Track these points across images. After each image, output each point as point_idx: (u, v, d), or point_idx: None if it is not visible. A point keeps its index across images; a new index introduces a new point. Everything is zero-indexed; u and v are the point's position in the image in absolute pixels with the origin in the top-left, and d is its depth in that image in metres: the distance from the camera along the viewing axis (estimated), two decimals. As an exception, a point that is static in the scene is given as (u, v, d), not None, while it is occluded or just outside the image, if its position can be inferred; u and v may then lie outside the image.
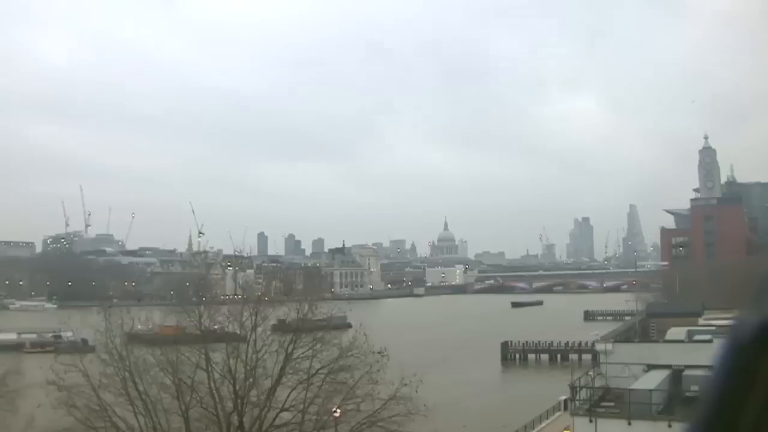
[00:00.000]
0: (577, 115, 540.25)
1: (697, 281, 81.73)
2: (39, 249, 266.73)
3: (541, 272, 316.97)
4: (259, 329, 27.87)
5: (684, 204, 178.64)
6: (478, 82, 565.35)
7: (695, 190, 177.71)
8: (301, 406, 25.80)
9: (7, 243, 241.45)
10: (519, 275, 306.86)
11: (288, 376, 26.65)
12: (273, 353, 27.06)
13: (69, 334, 53.86)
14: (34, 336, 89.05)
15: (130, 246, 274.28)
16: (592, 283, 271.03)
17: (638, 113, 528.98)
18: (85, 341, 35.82)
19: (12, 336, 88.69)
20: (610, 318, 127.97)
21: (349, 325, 33.36)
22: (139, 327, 31.85)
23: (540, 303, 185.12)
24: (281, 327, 31.14)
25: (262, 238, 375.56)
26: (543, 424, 41.19)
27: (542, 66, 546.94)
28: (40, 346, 76.72)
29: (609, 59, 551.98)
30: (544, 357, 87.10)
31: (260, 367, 26.44)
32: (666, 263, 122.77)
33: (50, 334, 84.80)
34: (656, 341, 39.17)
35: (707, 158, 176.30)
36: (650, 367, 31.25)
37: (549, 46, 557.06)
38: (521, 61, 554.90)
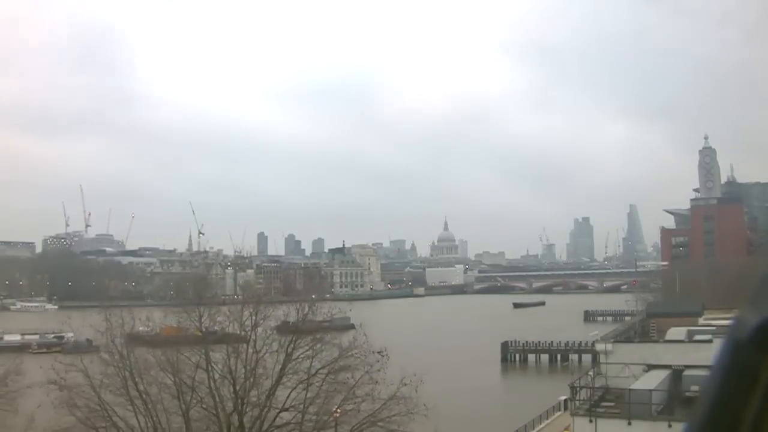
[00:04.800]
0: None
1: (697, 281, 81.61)
2: (39, 249, 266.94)
3: (541, 272, 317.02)
4: (260, 329, 27.89)
5: (684, 204, 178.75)
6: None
7: (695, 190, 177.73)
8: (301, 406, 25.80)
9: (7, 243, 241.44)
10: (519, 275, 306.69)
11: (288, 376, 26.65)
12: (273, 353, 27.06)
13: (70, 335, 53.98)
14: (37, 337, 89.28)
15: (130, 246, 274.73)
16: (592, 283, 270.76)
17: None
18: (89, 341, 35.91)
19: (16, 337, 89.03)
20: (610, 318, 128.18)
21: (353, 326, 33.34)
22: (141, 328, 31.74)
23: (542, 303, 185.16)
24: (284, 328, 31.07)
25: (262, 238, 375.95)
26: (543, 424, 41.21)
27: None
28: (46, 347, 76.90)
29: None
30: (544, 357, 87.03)
31: (260, 367, 26.43)
32: (666, 263, 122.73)
33: (52, 335, 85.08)
34: (656, 341, 39.16)
35: (707, 158, 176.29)
36: (650, 367, 31.25)
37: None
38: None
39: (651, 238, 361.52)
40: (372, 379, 25.94)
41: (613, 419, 27.32)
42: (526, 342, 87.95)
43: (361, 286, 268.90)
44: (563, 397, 40.12)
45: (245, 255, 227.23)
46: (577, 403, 30.36)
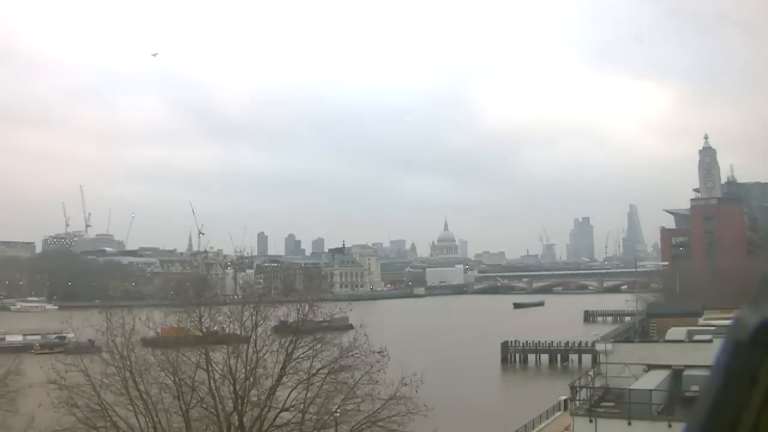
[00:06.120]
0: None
1: (697, 281, 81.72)
2: (39, 249, 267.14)
3: (541, 272, 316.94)
4: (260, 329, 27.90)
5: (684, 204, 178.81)
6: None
7: (695, 190, 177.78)
8: (302, 405, 25.81)
9: (7, 243, 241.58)
10: (519, 275, 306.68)
11: (288, 376, 26.65)
12: (273, 353, 27.08)
13: (71, 335, 53.92)
14: (38, 337, 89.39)
15: (130, 246, 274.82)
16: (592, 284, 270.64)
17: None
18: (91, 342, 35.90)
19: (18, 338, 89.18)
20: (610, 318, 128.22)
21: (351, 327, 33.37)
22: (147, 328, 31.56)
23: (541, 304, 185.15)
24: (282, 328, 31.12)
25: (262, 238, 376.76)
26: (543, 424, 41.22)
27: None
28: (49, 348, 76.90)
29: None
30: (544, 357, 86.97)
31: (261, 367, 26.44)
32: (666, 263, 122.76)
33: (54, 335, 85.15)
34: (656, 341, 39.20)
35: (707, 158, 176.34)
36: (650, 367, 31.27)
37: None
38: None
39: (651, 238, 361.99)
40: (372, 379, 25.93)
41: (613, 419, 27.33)
42: (526, 342, 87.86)
43: (361, 286, 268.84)
44: (563, 397, 40.14)
45: (245, 255, 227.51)
46: (577, 403, 30.37)
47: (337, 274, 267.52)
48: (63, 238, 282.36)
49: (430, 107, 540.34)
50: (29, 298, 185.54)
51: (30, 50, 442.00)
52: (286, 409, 26.08)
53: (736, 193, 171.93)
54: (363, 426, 25.76)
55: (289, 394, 26.23)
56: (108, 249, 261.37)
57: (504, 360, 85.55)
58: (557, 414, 42.07)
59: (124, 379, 25.25)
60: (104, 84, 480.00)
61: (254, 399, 25.97)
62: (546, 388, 57.74)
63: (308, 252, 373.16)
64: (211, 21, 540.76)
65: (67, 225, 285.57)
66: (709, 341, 28.40)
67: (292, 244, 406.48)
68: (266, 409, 25.59)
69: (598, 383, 32.21)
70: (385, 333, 49.38)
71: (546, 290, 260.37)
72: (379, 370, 26.19)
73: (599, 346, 36.09)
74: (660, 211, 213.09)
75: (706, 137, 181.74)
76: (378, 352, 27.16)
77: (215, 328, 29.61)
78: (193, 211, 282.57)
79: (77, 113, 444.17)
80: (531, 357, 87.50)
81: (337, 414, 25.83)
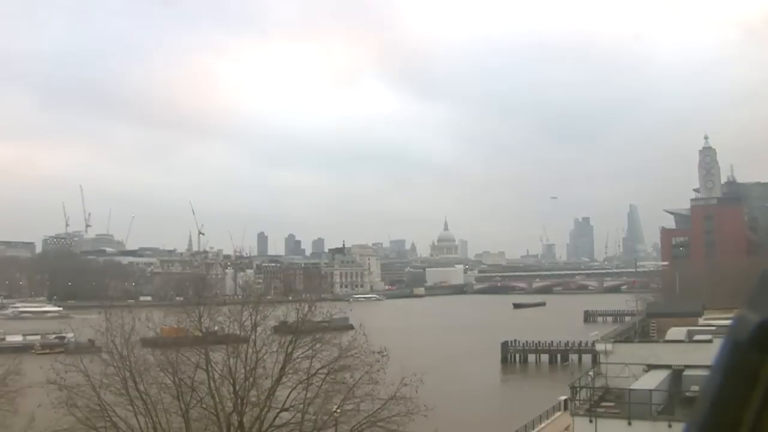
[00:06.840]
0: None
1: (697, 281, 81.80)
2: (39, 249, 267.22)
3: (541, 272, 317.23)
4: (259, 329, 27.91)
5: (684, 204, 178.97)
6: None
7: (695, 190, 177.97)
8: (301, 406, 25.81)
9: (7, 243, 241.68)
10: (519, 275, 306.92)
11: (288, 376, 26.65)
12: (273, 353, 27.08)
13: (70, 335, 54.05)
14: (38, 338, 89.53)
15: (130, 246, 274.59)
16: (592, 284, 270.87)
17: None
18: (91, 342, 35.94)
19: (18, 338, 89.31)
20: (610, 318, 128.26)
21: (351, 327, 33.39)
22: (147, 328, 31.55)
23: (542, 304, 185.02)
24: (282, 329, 31.12)
25: (262, 238, 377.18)
26: (543, 424, 41.24)
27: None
28: (49, 348, 77.02)
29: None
30: (544, 357, 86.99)
31: (260, 367, 26.44)
32: (666, 263, 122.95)
33: (53, 336, 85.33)
34: (656, 341, 39.21)
35: (707, 158, 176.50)
36: (650, 367, 31.25)
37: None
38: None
39: (651, 238, 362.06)
40: (372, 379, 25.93)
41: (613, 419, 27.31)
42: (526, 342, 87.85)
43: (361, 286, 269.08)
44: (563, 397, 40.14)
45: (245, 255, 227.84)
46: (577, 403, 30.34)
47: (337, 274, 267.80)
48: (63, 238, 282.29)
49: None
50: (29, 298, 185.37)
51: None
52: (286, 409, 26.08)
53: (736, 193, 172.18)
54: (363, 426, 25.75)
55: (288, 395, 26.23)
56: (108, 249, 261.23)
57: (504, 360, 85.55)
58: (557, 414, 42.07)
59: (123, 379, 25.27)
60: None
61: (254, 399, 25.96)
62: (546, 388, 57.72)
63: (308, 252, 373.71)
64: None
65: (67, 225, 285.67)
66: (709, 341, 28.37)
67: (292, 244, 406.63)
68: (266, 409, 25.59)
69: (598, 383, 32.19)
70: (385, 333, 49.34)
71: (546, 290, 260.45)
72: (378, 370, 26.18)
73: (599, 346, 36.07)
74: (660, 211, 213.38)
75: (706, 137, 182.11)
76: (378, 353, 27.16)
77: (215, 328, 29.64)
78: (193, 211, 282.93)
79: None
80: (531, 357, 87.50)
81: (337, 414, 25.82)
